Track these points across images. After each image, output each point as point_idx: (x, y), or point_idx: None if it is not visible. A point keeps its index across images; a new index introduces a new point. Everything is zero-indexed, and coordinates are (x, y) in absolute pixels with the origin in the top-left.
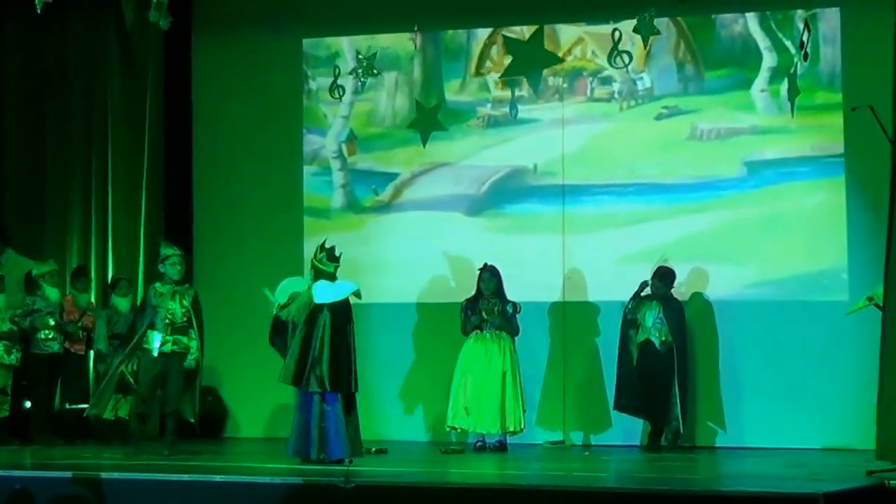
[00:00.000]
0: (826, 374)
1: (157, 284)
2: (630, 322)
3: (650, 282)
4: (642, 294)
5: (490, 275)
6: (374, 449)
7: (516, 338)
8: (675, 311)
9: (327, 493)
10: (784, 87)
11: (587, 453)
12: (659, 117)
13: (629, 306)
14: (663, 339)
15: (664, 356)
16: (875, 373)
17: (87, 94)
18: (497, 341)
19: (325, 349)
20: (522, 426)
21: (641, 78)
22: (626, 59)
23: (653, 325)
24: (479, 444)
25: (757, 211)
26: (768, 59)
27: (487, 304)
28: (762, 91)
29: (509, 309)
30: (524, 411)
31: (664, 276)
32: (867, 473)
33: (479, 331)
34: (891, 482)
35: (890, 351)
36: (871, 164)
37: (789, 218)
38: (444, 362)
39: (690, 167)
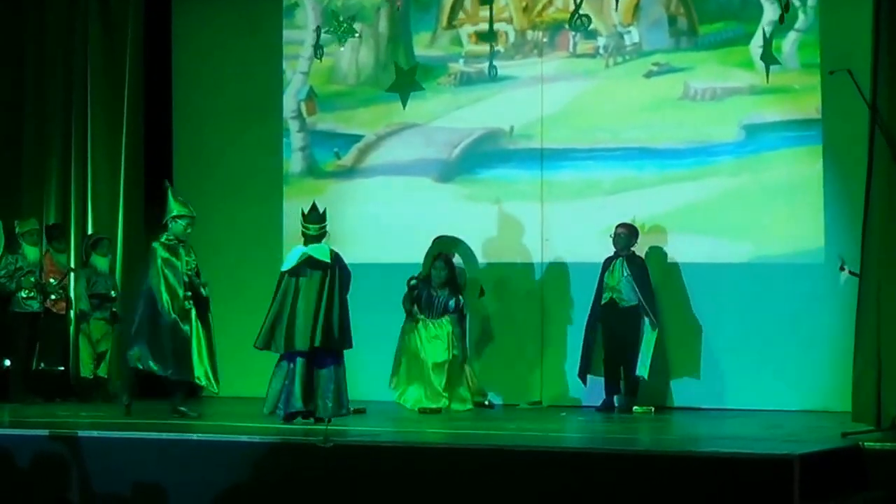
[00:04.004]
0: (803, 336)
1: (164, 239)
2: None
3: (615, 231)
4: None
5: (443, 264)
6: (352, 408)
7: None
8: (639, 268)
9: (306, 452)
10: (787, 41)
11: (563, 414)
12: (648, 75)
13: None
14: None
15: (629, 317)
16: (851, 335)
17: (67, 50)
18: (439, 329)
19: (287, 309)
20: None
21: (629, 32)
22: (586, 22)
23: (617, 284)
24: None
25: (755, 178)
26: (769, 12)
27: (434, 297)
28: (762, 47)
29: (451, 305)
30: (471, 386)
31: (631, 229)
32: (842, 435)
33: (423, 317)
34: (866, 444)
35: (866, 313)
36: (848, 128)
37: (787, 183)
38: None
39: (682, 130)
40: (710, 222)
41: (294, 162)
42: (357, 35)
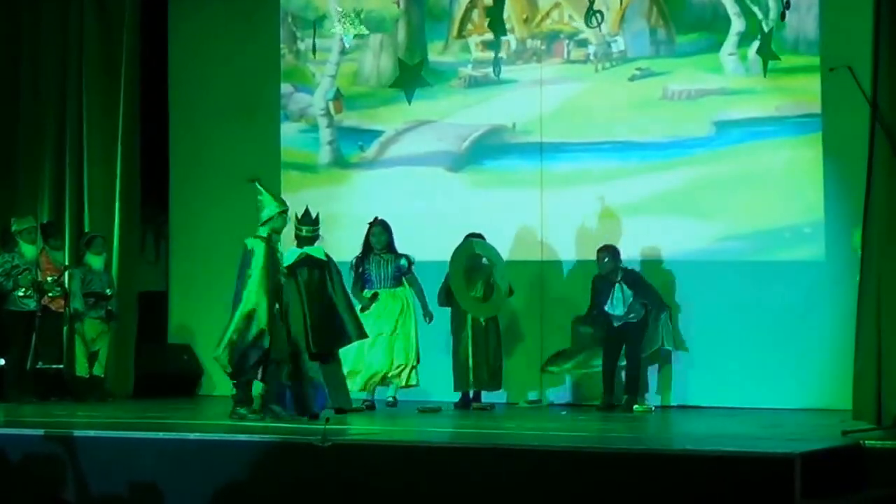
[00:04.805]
0: (803, 334)
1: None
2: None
3: (598, 257)
4: (602, 274)
5: (381, 228)
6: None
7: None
8: (636, 282)
9: (303, 452)
10: (752, 49)
11: (564, 413)
12: (632, 79)
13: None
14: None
15: (634, 327)
16: (852, 332)
17: (62, 45)
18: (391, 299)
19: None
20: (414, 382)
21: (616, 41)
22: (600, 19)
23: (624, 311)
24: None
25: (725, 168)
26: (737, 24)
27: (379, 260)
28: (730, 54)
29: (403, 263)
30: (414, 366)
31: (614, 251)
32: (843, 433)
33: (375, 289)
34: (866, 442)
35: (867, 311)
36: (845, 126)
37: (757, 175)
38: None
39: (662, 126)
40: (686, 207)
41: (322, 154)
42: (368, 34)
